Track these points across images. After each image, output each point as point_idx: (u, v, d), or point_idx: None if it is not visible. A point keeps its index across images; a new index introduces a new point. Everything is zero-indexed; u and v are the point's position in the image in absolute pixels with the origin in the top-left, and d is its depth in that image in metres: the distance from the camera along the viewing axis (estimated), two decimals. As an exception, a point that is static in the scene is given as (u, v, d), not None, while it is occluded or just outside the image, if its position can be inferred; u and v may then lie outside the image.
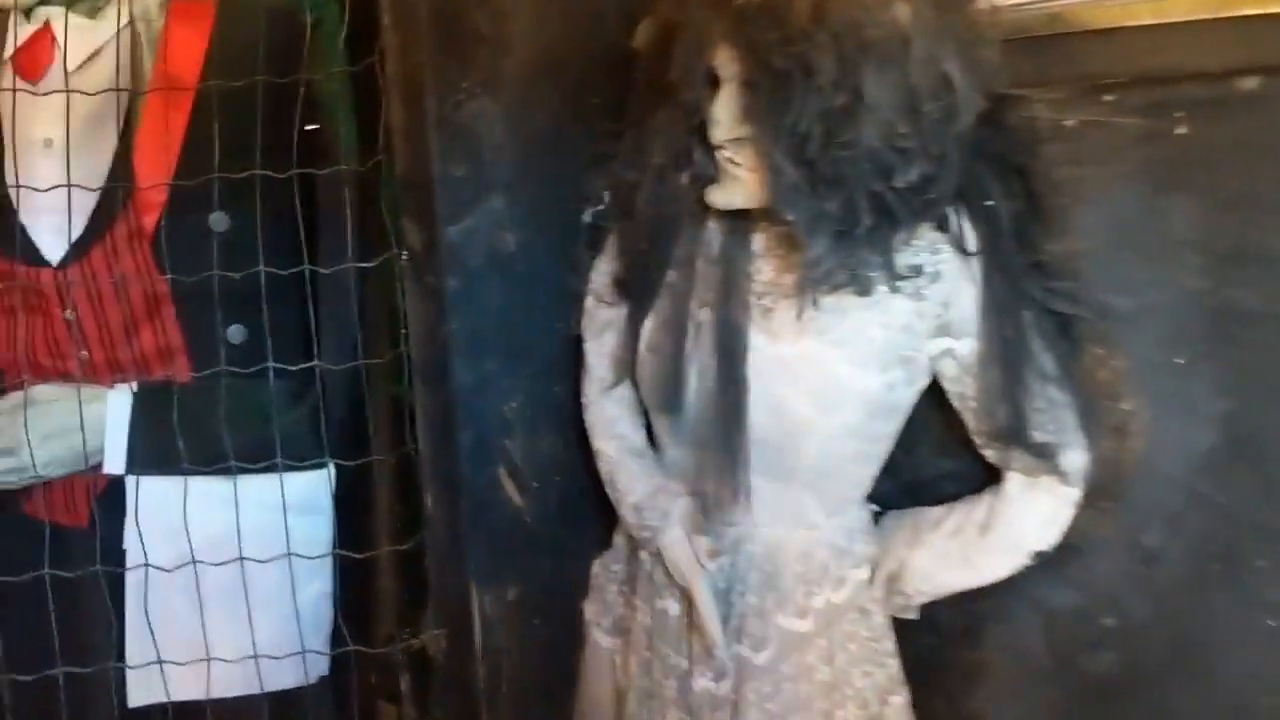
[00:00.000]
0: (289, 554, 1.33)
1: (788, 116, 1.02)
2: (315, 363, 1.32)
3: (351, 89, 1.35)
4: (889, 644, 1.25)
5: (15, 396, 1.35)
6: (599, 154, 1.24)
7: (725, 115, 1.08)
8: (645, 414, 1.28)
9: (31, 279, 1.34)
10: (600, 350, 1.29)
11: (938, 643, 1.29)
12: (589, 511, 1.34)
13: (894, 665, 1.25)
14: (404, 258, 1.25)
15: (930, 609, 1.26)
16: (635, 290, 1.23)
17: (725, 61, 1.07)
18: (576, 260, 1.28)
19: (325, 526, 1.43)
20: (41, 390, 1.35)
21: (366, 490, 1.47)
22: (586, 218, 1.27)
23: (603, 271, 1.27)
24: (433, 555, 1.28)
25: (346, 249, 1.32)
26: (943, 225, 1.13)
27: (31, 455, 1.33)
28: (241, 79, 1.31)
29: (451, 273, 1.22)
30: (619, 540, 1.33)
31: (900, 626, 1.26)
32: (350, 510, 1.44)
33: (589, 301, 1.29)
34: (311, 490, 1.41)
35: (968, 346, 1.15)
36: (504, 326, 1.26)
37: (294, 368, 1.30)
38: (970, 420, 1.19)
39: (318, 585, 1.42)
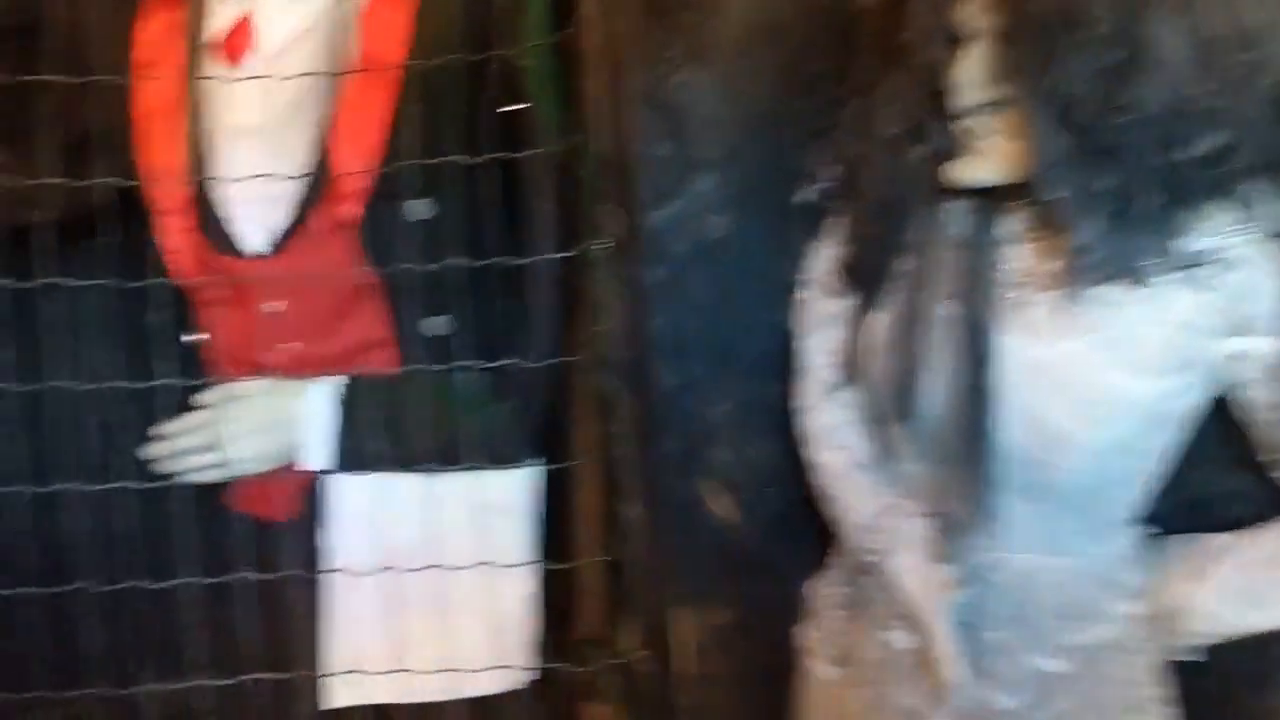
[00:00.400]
0: (483, 563, 1.27)
1: (1053, 76, 0.90)
2: (513, 360, 1.26)
3: (557, 65, 1.27)
4: (1161, 690, 1.09)
5: (219, 390, 1.34)
6: (821, 127, 1.14)
7: (973, 76, 0.96)
8: (872, 421, 1.15)
9: (234, 271, 1.32)
10: (821, 348, 1.18)
11: (1221, 689, 1.12)
12: (806, 528, 1.23)
13: (1167, 715, 1.09)
14: (603, 247, 1.16)
15: (1212, 651, 1.09)
16: (862, 280, 1.12)
17: (974, 13, 0.95)
18: (794, 247, 1.17)
19: (528, 528, 1.37)
20: (244, 384, 1.34)
21: (571, 490, 1.40)
22: (806, 198, 1.16)
23: (824, 259, 1.16)
24: (633, 571, 1.19)
25: (549, 237, 1.26)
26: (1238, 203, 0.97)
27: (233, 451, 1.32)
28: (445, 59, 1.26)
29: (653, 263, 1.14)
30: (840, 561, 1.22)
31: (1175, 670, 1.10)
32: (553, 511, 1.37)
33: (809, 293, 1.18)
34: (514, 491, 1.35)
35: (1267, 347, 0.98)
36: (712, 322, 1.18)
37: (486, 364, 1.24)
38: (1264, 435, 1.02)
39: (520, 588, 1.36)
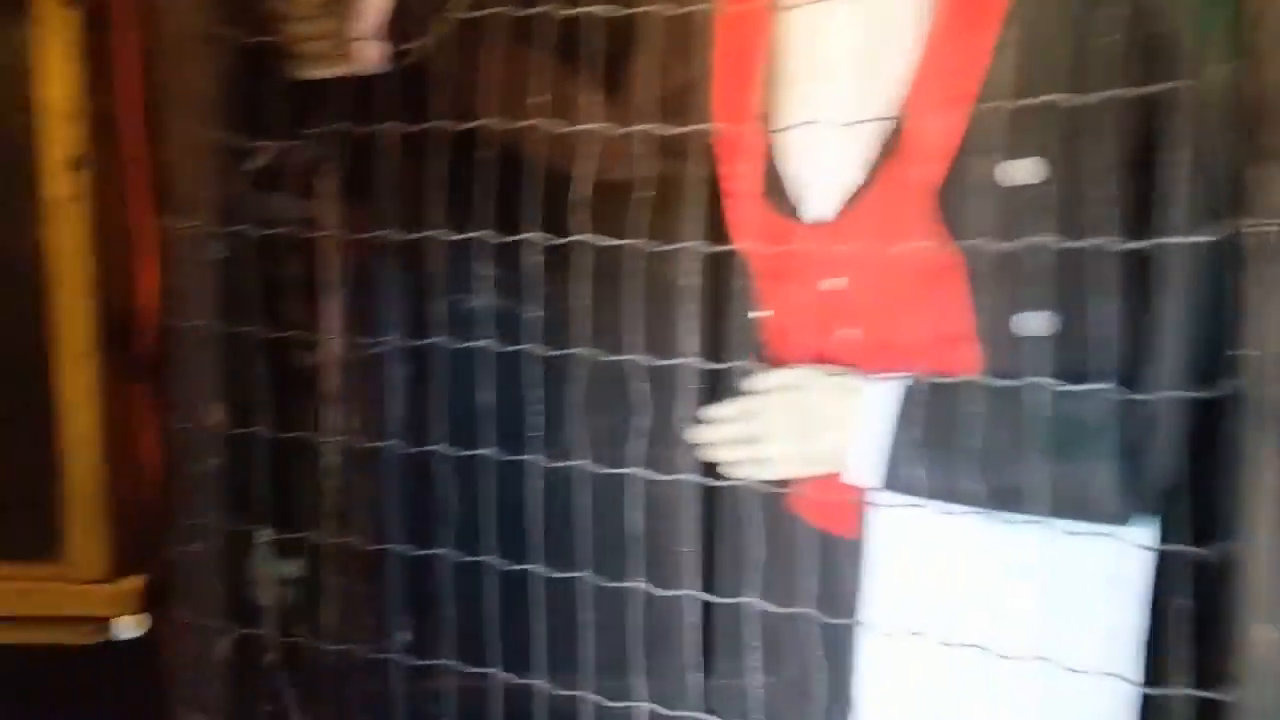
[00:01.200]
0: (1037, 657, 0.96)
1: None
2: (1111, 386, 0.93)
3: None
4: None
5: (770, 378, 1.19)
6: None
7: None
8: None
9: (794, 238, 1.16)
10: None
11: None
12: None
13: None
14: (1258, 231, 0.78)
15: None
16: None
17: None
18: None
19: (1125, 616, 1.02)
20: (794, 373, 1.17)
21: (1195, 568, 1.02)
22: None
23: None
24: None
25: (1192, 214, 0.94)
26: None
27: (773, 448, 1.17)
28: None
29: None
30: None
31: None
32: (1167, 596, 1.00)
33: None
34: (1108, 559, 1.02)
35: None
36: None
37: (1072, 386, 0.93)
38: None
39: (1106, 698, 1.02)
